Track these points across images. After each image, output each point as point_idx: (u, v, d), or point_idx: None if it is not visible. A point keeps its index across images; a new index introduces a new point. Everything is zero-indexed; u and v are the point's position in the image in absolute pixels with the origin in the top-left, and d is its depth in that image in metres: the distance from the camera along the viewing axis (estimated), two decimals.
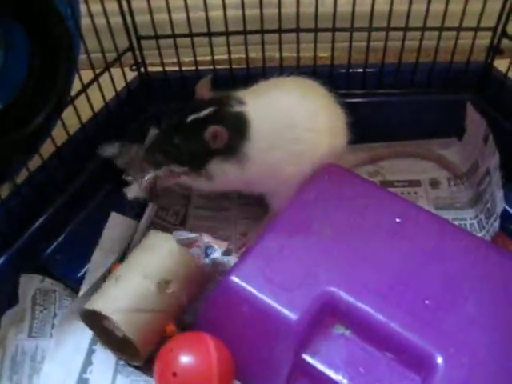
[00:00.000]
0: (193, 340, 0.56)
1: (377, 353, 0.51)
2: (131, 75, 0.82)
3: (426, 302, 0.53)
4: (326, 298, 0.53)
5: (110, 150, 0.69)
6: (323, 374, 0.51)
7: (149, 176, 0.67)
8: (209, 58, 0.80)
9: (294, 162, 0.67)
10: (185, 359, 0.54)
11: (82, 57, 0.70)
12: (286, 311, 0.52)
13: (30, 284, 0.67)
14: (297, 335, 0.52)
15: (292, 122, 0.67)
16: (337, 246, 0.58)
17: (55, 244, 0.70)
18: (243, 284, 0.55)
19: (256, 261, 0.57)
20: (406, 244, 0.58)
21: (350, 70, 0.81)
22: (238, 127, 0.65)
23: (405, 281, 0.55)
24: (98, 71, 0.72)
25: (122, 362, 0.63)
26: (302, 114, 0.68)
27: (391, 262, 0.56)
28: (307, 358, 0.52)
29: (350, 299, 0.52)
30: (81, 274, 0.67)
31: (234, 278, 0.55)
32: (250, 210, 0.80)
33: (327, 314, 0.53)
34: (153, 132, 0.84)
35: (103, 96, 0.75)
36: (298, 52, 0.79)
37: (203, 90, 0.75)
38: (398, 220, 0.60)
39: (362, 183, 0.67)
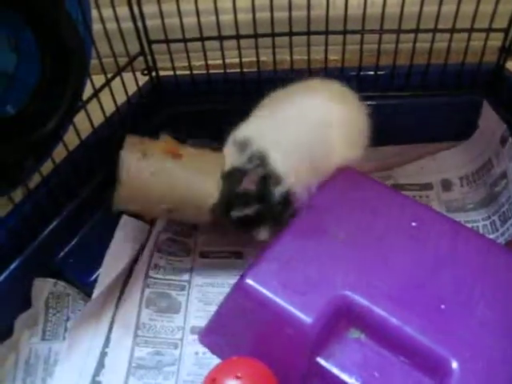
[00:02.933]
0: (237, 366, 0.54)
1: (391, 357, 0.51)
2: (143, 79, 0.82)
3: (442, 306, 0.52)
4: (341, 302, 0.53)
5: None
6: (337, 377, 0.51)
7: None
8: (220, 61, 0.80)
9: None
10: None
11: (94, 61, 0.70)
12: (300, 314, 0.52)
13: (43, 288, 0.67)
14: (311, 339, 0.52)
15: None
16: (352, 249, 0.58)
17: (68, 248, 0.71)
18: (258, 287, 0.55)
19: (271, 264, 0.57)
20: (421, 248, 0.58)
21: (361, 73, 0.81)
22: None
23: (420, 285, 0.54)
24: (109, 76, 0.73)
25: (134, 365, 0.63)
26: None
27: (406, 266, 0.56)
28: (321, 361, 0.52)
29: (365, 303, 0.52)
30: (93, 277, 0.67)
31: (249, 281, 0.55)
32: None
33: (342, 318, 0.53)
34: (163, 137, 0.84)
35: (115, 100, 0.75)
36: (308, 55, 0.79)
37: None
38: (413, 224, 0.60)
39: (377, 186, 0.66)
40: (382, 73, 0.81)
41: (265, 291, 0.54)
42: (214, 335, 0.62)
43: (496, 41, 0.78)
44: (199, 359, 0.64)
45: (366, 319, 0.52)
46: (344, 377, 0.51)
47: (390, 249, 0.58)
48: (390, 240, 0.59)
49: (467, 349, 0.49)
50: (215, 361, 0.63)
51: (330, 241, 0.59)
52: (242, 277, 0.56)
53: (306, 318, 0.52)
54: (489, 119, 0.80)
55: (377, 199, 0.64)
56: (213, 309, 0.68)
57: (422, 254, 0.57)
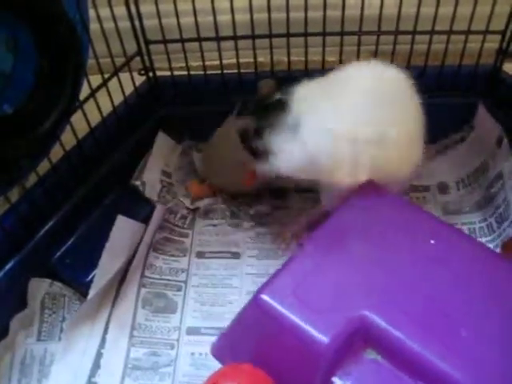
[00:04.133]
0: (239, 373, 0.54)
1: (409, 381, 0.49)
2: (140, 80, 0.82)
3: (462, 330, 0.50)
4: (359, 322, 0.51)
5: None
6: None
7: None
8: (217, 62, 0.80)
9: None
10: None
11: (91, 61, 0.70)
12: (316, 334, 0.50)
13: (38, 288, 0.67)
14: (327, 358, 0.50)
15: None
16: (372, 267, 0.55)
17: (64, 248, 0.70)
18: (273, 303, 0.53)
19: (288, 279, 0.55)
20: (440, 268, 0.56)
21: None
22: None
23: (441, 307, 0.52)
24: (106, 76, 0.73)
25: (130, 366, 0.63)
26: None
27: (427, 288, 0.54)
28: (337, 381, 0.50)
29: (384, 325, 0.50)
30: (89, 277, 0.67)
31: (264, 297, 0.53)
32: (262, 217, 0.80)
33: (359, 338, 0.51)
34: (161, 136, 0.84)
35: (112, 100, 0.75)
36: (306, 56, 0.79)
37: (267, 88, 0.70)
38: (432, 241, 0.58)
39: (398, 202, 0.64)
40: None
41: (280, 307, 0.52)
42: (227, 348, 0.61)
43: (493, 43, 0.78)
44: (195, 360, 0.64)
45: (385, 341, 0.50)
46: None
47: (410, 268, 0.56)
48: (411, 259, 0.57)
49: (487, 376, 0.47)
50: (211, 362, 0.63)
51: (351, 258, 0.56)
52: (258, 291, 0.55)
53: (322, 338, 0.50)
54: (484, 121, 0.80)
55: (398, 215, 0.61)
56: (209, 309, 0.69)
57: (442, 275, 0.55)
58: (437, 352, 0.48)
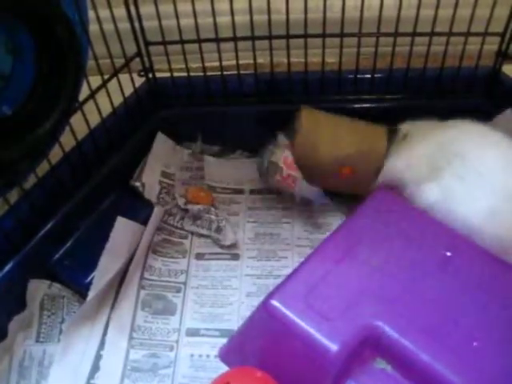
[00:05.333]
0: (250, 376, 0.54)
1: None
2: (139, 81, 0.82)
3: (474, 342, 0.50)
4: (369, 331, 0.51)
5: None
6: None
7: None
8: (217, 63, 0.80)
9: None
10: None
11: (91, 62, 0.70)
12: (326, 341, 0.50)
13: (38, 289, 0.67)
14: (336, 366, 0.50)
15: None
16: (383, 276, 0.55)
17: (63, 249, 0.70)
18: (283, 309, 0.53)
19: (298, 286, 0.54)
20: (455, 280, 0.55)
21: (358, 76, 0.81)
22: None
23: (452, 319, 0.52)
24: (106, 77, 0.72)
25: (129, 367, 0.63)
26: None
27: (439, 298, 0.54)
28: None
29: (394, 335, 0.50)
30: (89, 279, 0.67)
31: (274, 302, 0.53)
32: (258, 215, 0.80)
33: (369, 347, 0.51)
34: (160, 137, 0.84)
35: (111, 102, 0.75)
36: (305, 57, 0.79)
37: None
38: (447, 254, 0.58)
39: (412, 212, 0.64)
40: (378, 76, 0.81)
41: (290, 314, 0.52)
42: (235, 353, 0.60)
43: (492, 45, 0.78)
44: (195, 361, 0.64)
45: (395, 351, 0.50)
46: None
47: (423, 279, 0.55)
48: (424, 269, 0.56)
49: None
50: (211, 364, 0.63)
51: (361, 266, 0.56)
52: (268, 297, 0.54)
53: (331, 346, 0.50)
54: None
55: (412, 225, 0.61)
56: (209, 311, 0.69)
57: (456, 287, 0.55)
58: (447, 363, 0.48)
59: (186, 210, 0.79)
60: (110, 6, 0.70)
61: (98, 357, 0.64)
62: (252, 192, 0.84)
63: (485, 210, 0.61)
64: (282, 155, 0.74)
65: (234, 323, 0.67)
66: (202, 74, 0.81)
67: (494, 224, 0.61)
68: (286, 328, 0.52)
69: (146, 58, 0.81)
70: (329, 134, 0.74)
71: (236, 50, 0.78)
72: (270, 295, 0.54)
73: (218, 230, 0.77)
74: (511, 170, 0.63)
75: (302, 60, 0.79)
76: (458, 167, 0.64)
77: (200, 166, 0.86)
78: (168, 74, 0.83)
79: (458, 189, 0.63)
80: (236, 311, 0.69)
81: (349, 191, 0.78)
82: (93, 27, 0.69)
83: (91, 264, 0.68)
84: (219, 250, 0.76)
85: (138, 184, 0.78)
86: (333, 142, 0.74)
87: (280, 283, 0.56)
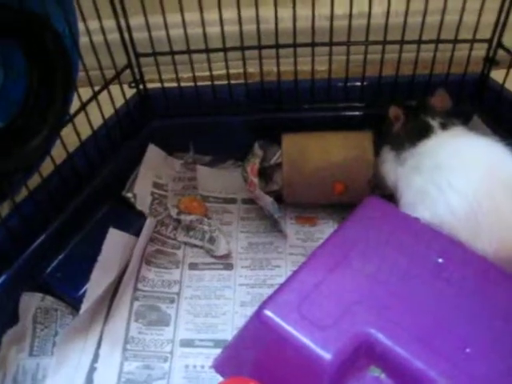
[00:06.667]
0: None
1: None
2: (130, 92, 0.82)
3: (467, 349, 0.50)
4: (363, 340, 0.51)
5: None
6: None
7: None
8: (207, 73, 0.80)
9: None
10: None
11: (81, 74, 0.70)
12: (319, 350, 0.50)
13: (30, 302, 0.67)
14: (330, 375, 0.50)
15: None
16: (376, 284, 0.55)
17: (56, 262, 0.70)
18: (276, 319, 0.52)
19: (291, 295, 0.54)
20: (447, 286, 0.55)
21: (348, 84, 0.82)
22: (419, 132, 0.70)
23: (445, 326, 0.52)
24: (96, 89, 0.73)
25: (123, 379, 0.63)
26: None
27: (432, 305, 0.54)
28: None
29: (388, 342, 0.50)
30: (81, 291, 0.67)
31: (267, 312, 0.53)
32: (251, 225, 0.80)
33: (363, 355, 0.51)
34: (152, 148, 0.84)
35: (102, 113, 0.75)
36: (295, 66, 0.79)
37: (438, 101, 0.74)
38: (440, 260, 0.58)
39: (404, 219, 0.64)
40: (368, 83, 0.81)
41: (283, 323, 0.52)
42: (230, 363, 0.60)
43: (480, 51, 0.79)
44: (189, 372, 0.63)
45: (388, 359, 0.50)
46: None
47: (416, 286, 0.55)
48: (417, 277, 0.56)
49: None
50: (205, 374, 0.63)
51: (354, 274, 0.56)
52: (261, 307, 0.54)
53: (324, 355, 0.49)
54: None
55: (404, 233, 0.61)
56: (203, 321, 0.68)
57: (448, 294, 0.54)
58: (441, 370, 0.48)
59: (179, 221, 0.79)
60: (99, 18, 0.70)
61: (92, 369, 0.63)
62: (244, 201, 0.84)
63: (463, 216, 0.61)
64: (250, 164, 0.75)
65: (228, 333, 0.67)
66: (192, 84, 0.81)
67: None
68: (280, 337, 0.52)
69: (136, 70, 0.81)
70: (315, 154, 0.77)
71: (226, 60, 0.79)
72: (263, 305, 0.54)
73: (211, 240, 0.77)
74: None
75: (292, 69, 0.80)
76: (437, 179, 0.64)
77: (192, 176, 0.86)
78: (159, 85, 0.83)
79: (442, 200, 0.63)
80: (230, 321, 0.68)
81: (343, 203, 0.79)
82: (83, 39, 0.69)
83: (84, 276, 0.67)
84: (212, 260, 0.76)
85: (129, 195, 0.78)
86: (320, 160, 0.77)
87: (273, 293, 0.56)
